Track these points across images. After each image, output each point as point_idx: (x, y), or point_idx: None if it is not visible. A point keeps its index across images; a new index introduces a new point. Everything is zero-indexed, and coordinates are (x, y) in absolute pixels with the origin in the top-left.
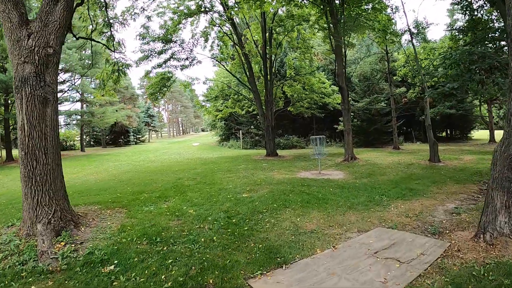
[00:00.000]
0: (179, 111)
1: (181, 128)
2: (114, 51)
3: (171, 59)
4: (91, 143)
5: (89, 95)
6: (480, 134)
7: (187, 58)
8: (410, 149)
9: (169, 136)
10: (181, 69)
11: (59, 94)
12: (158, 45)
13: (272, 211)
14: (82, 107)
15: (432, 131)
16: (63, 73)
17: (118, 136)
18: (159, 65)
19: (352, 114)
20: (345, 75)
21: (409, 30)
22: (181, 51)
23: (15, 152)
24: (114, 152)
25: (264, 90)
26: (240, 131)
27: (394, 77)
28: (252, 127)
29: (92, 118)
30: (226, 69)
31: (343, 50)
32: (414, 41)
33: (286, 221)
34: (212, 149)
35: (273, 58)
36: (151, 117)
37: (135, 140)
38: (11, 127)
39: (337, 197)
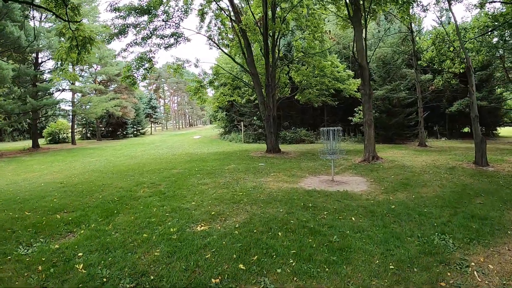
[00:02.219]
0: (185, 103)
1: (187, 121)
2: (68, 21)
3: (153, 35)
4: (87, 135)
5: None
6: (506, 130)
7: (172, 35)
8: (437, 147)
9: (174, 128)
10: (165, 48)
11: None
12: (136, 19)
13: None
14: (73, 97)
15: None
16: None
17: (116, 128)
18: (136, 43)
19: None
20: (366, 51)
21: None
22: (165, 27)
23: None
24: (105, 145)
25: (265, 74)
26: (242, 123)
27: (418, 62)
28: (255, 118)
29: (76, 109)
30: (223, 50)
31: (364, 18)
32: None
33: None
34: (211, 143)
35: (276, 36)
36: (153, 109)
37: (134, 132)
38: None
39: (367, 242)
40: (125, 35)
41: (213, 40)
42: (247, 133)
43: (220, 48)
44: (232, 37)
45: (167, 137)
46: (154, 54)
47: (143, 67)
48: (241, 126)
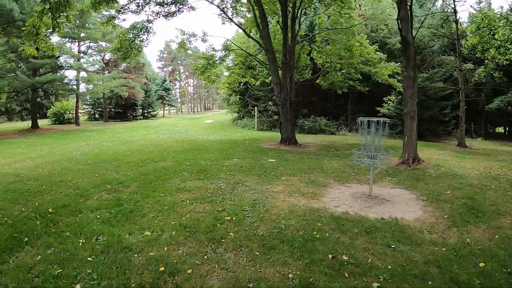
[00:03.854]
0: (201, 86)
1: (203, 105)
2: None
3: (151, 1)
4: (95, 116)
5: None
6: None
7: (174, 2)
8: (478, 148)
9: (189, 112)
10: (165, 17)
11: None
12: None
13: None
14: (78, 76)
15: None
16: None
17: (125, 110)
18: (131, 10)
19: (400, 94)
20: (411, 22)
21: None
22: None
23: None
24: (108, 127)
25: (283, 50)
26: (256, 108)
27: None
28: (270, 103)
29: (69, 87)
30: (235, 23)
31: None
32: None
33: None
34: (220, 129)
35: (298, 5)
36: (166, 91)
37: (144, 114)
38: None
39: None
40: None
41: (225, 13)
42: (261, 119)
43: (232, 21)
44: (245, 11)
45: (178, 121)
46: (152, 23)
47: (138, 39)
48: (254, 112)
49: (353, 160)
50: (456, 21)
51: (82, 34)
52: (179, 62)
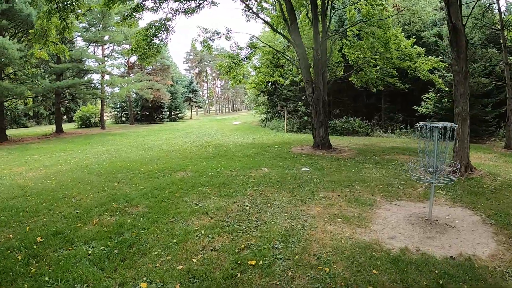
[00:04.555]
0: (229, 87)
1: (231, 105)
2: None
3: None
4: (122, 119)
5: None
6: None
7: None
8: None
9: (216, 113)
10: (185, 14)
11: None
12: None
13: None
14: (102, 80)
15: None
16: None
17: (152, 112)
18: (141, 7)
19: (439, 91)
20: (461, 6)
21: None
22: None
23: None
24: (132, 130)
25: (314, 45)
26: (285, 109)
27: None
28: (300, 103)
29: (92, 91)
30: (262, 18)
31: None
32: None
33: None
34: (249, 131)
35: None
36: (193, 92)
37: (171, 116)
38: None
39: None
40: None
41: (251, 8)
42: (291, 120)
43: (258, 16)
44: (271, 8)
45: (205, 122)
46: (172, 21)
47: (158, 38)
48: (283, 113)
49: (412, 176)
50: (499, 10)
51: (105, 37)
52: (206, 63)
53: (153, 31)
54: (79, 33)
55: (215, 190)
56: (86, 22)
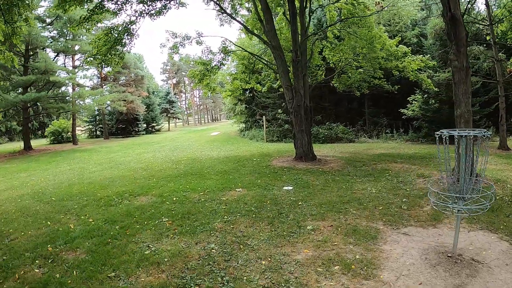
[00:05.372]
0: (207, 97)
1: (210, 115)
2: None
3: None
4: (96, 133)
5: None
6: None
7: None
8: None
9: (195, 124)
10: (150, 16)
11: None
12: None
13: None
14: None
15: None
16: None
17: (127, 125)
18: (100, 9)
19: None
20: None
21: None
22: None
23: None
24: (105, 145)
25: (292, 47)
26: (264, 117)
27: (488, 37)
28: (279, 111)
29: (60, 105)
30: (235, 19)
31: None
32: None
33: None
34: (227, 142)
35: None
36: (170, 103)
37: (148, 129)
38: None
39: None
40: None
41: (224, 10)
42: (271, 129)
43: (233, 18)
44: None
45: (183, 134)
46: (135, 25)
47: (120, 43)
48: (263, 121)
49: (432, 205)
50: (487, 4)
51: (76, 47)
52: (183, 73)
53: (115, 35)
54: (46, 43)
55: (176, 223)
56: (55, 32)
